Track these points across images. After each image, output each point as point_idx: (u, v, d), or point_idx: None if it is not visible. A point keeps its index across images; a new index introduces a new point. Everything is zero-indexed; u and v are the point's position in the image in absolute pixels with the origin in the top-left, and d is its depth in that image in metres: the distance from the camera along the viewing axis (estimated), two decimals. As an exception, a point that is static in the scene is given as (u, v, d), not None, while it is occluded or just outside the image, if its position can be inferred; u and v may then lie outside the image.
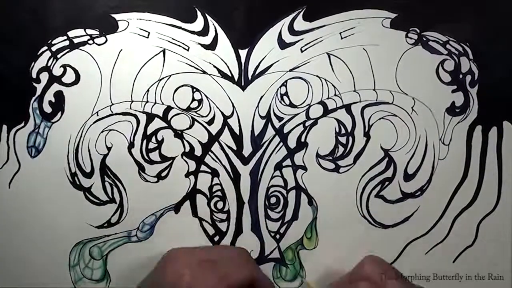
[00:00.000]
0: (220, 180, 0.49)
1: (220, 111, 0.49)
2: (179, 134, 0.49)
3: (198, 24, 0.48)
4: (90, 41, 0.48)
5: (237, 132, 0.49)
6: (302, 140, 0.49)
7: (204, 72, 0.48)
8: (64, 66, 0.48)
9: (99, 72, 0.48)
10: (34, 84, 0.48)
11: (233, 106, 0.49)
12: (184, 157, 0.49)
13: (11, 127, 0.48)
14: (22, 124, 0.48)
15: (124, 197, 0.48)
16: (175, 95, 0.48)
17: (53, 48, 0.48)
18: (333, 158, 0.49)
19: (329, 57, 0.49)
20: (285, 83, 0.49)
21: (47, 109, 0.48)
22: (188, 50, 0.48)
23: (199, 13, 0.48)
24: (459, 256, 0.51)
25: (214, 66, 0.48)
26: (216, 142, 0.49)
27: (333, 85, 0.49)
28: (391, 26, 0.49)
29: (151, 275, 0.44)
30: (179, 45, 0.48)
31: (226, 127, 0.49)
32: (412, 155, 0.50)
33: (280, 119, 0.49)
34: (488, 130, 0.50)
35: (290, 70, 0.49)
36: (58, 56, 0.48)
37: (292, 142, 0.49)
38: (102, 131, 0.48)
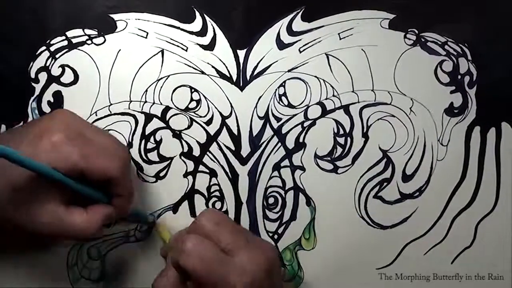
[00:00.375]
0: (218, 181, 0.49)
1: (218, 111, 0.49)
2: (177, 134, 0.49)
3: (197, 25, 0.48)
4: (89, 41, 0.48)
5: (235, 133, 0.49)
6: (301, 140, 0.49)
7: (203, 73, 0.48)
8: (63, 66, 0.48)
9: (97, 72, 0.48)
10: (33, 84, 0.48)
11: (232, 106, 0.49)
12: (182, 157, 0.49)
13: (9, 127, 0.48)
14: (21, 124, 0.48)
15: (122, 197, 0.48)
16: (173, 95, 0.48)
17: (52, 48, 0.48)
18: (332, 159, 0.49)
19: (327, 57, 0.49)
20: (283, 84, 0.49)
21: (46, 109, 0.48)
22: (186, 50, 0.48)
23: (197, 14, 0.48)
24: (457, 257, 0.50)
25: (213, 67, 0.48)
26: (215, 142, 0.49)
27: (331, 85, 0.49)
28: (389, 27, 0.49)
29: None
30: (178, 46, 0.48)
31: (225, 128, 0.49)
32: (410, 156, 0.50)
33: (278, 119, 0.49)
34: (486, 131, 0.50)
35: (289, 71, 0.49)
36: (57, 56, 0.48)
37: (290, 142, 0.49)
38: (101, 131, 0.48)
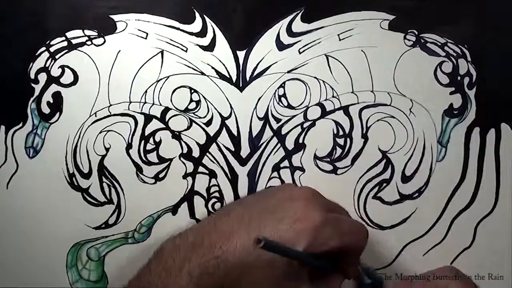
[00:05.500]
0: (218, 182, 0.49)
1: (218, 112, 0.49)
2: (177, 135, 0.49)
3: (197, 25, 0.48)
4: (89, 42, 0.48)
5: (235, 133, 0.49)
6: (300, 141, 0.49)
7: (202, 73, 0.48)
8: (62, 67, 0.48)
9: (97, 73, 0.48)
10: (32, 84, 0.48)
11: (231, 107, 0.49)
12: (181, 158, 0.49)
13: (9, 128, 0.48)
14: (20, 125, 0.48)
15: (121, 198, 0.48)
16: (173, 96, 0.48)
17: (51, 49, 0.48)
18: (331, 160, 0.49)
19: (327, 58, 0.49)
20: (283, 85, 0.49)
21: (45, 110, 0.48)
22: (186, 51, 0.48)
23: (197, 15, 0.48)
24: (456, 258, 0.51)
25: (212, 68, 0.48)
26: (214, 143, 0.49)
27: (331, 86, 0.49)
28: (389, 28, 0.49)
29: (256, 197, 0.46)
30: (177, 46, 0.48)
31: (224, 128, 0.49)
32: (410, 156, 0.50)
33: (278, 120, 0.49)
34: (486, 132, 0.50)
35: (288, 72, 0.49)
36: (57, 57, 0.48)
37: (290, 143, 0.49)
38: (100, 132, 0.48)
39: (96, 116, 0.48)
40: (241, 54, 0.49)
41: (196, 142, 0.49)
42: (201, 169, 0.49)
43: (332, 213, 0.42)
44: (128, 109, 0.48)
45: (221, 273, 0.38)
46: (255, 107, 0.49)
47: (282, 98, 0.49)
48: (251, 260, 0.38)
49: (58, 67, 0.48)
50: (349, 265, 0.44)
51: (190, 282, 0.38)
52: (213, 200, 0.49)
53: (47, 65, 0.48)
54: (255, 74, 0.49)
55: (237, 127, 0.49)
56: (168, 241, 0.43)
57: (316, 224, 0.39)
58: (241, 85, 0.49)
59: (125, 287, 0.42)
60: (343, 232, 0.41)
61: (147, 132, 0.48)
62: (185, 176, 0.49)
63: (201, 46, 0.48)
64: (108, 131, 0.48)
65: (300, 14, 0.49)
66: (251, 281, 0.39)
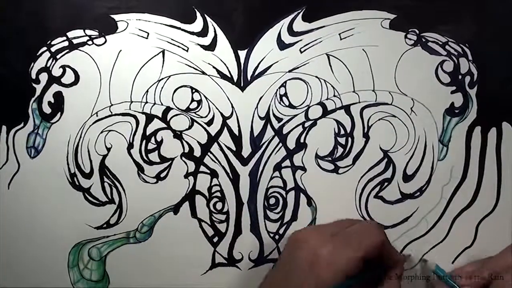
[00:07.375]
0: (219, 181, 0.49)
1: (219, 111, 0.49)
2: (178, 135, 0.49)
3: (198, 25, 0.48)
4: (90, 42, 0.48)
5: (236, 133, 0.49)
6: (301, 141, 0.49)
7: (204, 73, 0.48)
8: (64, 67, 0.48)
9: (98, 72, 0.48)
10: (34, 84, 0.48)
11: (232, 106, 0.49)
12: (183, 158, 0.49)
13: (10, 128, 0.48)
14: (22, 125, 0.48)
15: (123, 198, 0.48)
16: (174, 96, 0.48)
17: (53, 49, 0.48)
18: (332, 159, 0.49)
19: (328, 58, 0.49)
20: (284, 84, 0.49)
21: (47, 109, 0.48)
22: (187, 50, 0.48)
23: (198, 14, 0.48)
24: (458, 257, 0.51)
25: (214, 67, 0.48)
26: (215, 143, 0.49)
27: (332, 86, 0.49)
28: (390, 27, 0.49)
29: (278, 266, 0.45)
30: (179, 46, 0.48)
31: (225, 128, 0.49)
32: (411, 156, 0.50)
33: (279, 120, 0.49)
34: (487, 131, 0.50)
35: (290, 71, 0.49)
36: (58, 56, 0.48)
37: (291, 143, 0.49)
38: (102, 132, 0.48)
39: (97, 116, 0.48)
40: (242, 54, 0.49)
41: (198, 142, 0.49)
42: (202, 168, 0.49)
43: (337, 234, 0.43)
44: (130, 108, 0.48)
45: None
46: (257, 107, 0.49)
47: (284, 98, 0.49)
48: None
49: (59, 67, 0.48)
50: (388, 261, 0.44)
51: None
52: (215, 199, 0.49)
53: (48, 65, 0.48)
54: (256, 73, 0.49)
55: (239, 126, 0.49)
56: None
57: (327, 263, 0.40)
58: (242, 84, 0.49)
59: None
60: (356, 243, 0.41)
61: (148, 131, 0.48)
62: (186, 176, 0.49)
63: (202, 46, 0.48)
64: (110, 130, 0.48)
65: (301, 13, 0.49)
66: None
